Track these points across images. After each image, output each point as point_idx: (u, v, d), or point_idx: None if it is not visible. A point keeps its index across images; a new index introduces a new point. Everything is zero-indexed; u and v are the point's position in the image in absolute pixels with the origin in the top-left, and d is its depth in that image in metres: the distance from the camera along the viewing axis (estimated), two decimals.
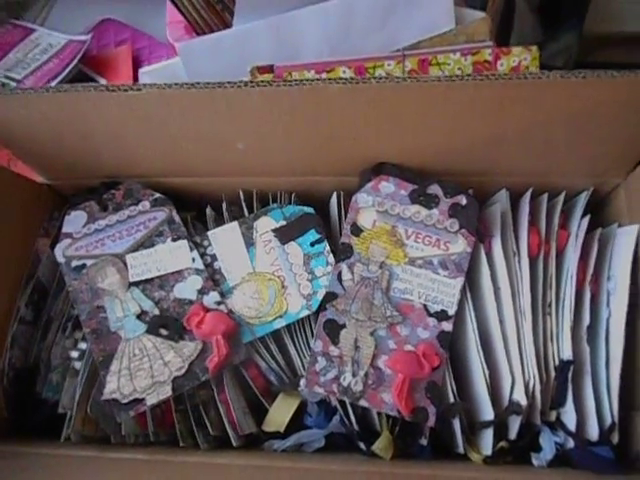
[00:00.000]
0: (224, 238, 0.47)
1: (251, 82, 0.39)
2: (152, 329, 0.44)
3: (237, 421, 0.42)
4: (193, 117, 0.42)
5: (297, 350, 0.44)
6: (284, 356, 0.44)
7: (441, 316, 0.43)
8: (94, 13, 0.73)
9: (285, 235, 0.47)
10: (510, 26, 0.68)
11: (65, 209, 0.49)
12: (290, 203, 0.49)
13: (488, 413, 0.40)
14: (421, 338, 0.43)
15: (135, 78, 0.65)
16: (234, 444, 0.42)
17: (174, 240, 0.47)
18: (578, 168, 0.46)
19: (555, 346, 0.42)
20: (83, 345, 0.44)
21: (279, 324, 0.44)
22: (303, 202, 0.49)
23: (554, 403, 0.41)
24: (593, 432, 0.39)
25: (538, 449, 0.41)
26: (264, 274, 0.46)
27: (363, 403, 0.41)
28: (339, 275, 0.44)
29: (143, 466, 0.41)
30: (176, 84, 0.39)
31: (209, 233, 0.48)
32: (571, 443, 0.40)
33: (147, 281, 0.46)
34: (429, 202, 0.45)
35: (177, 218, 0.48)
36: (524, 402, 0.40)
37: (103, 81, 0.66)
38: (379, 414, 0.42)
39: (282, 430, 0.43)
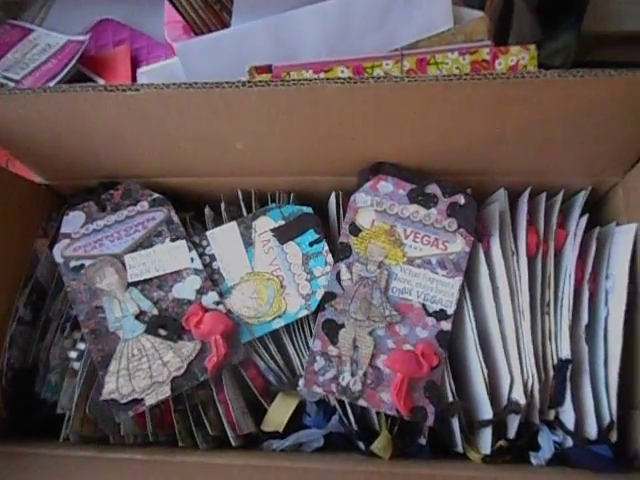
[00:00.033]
0: (223, 238, 0.47)
1: (249, 82, 0.39)
2: (151, 329, 0.44)
3: (236, 421, 0.42)
4: (191, 117, 0.42)
5: (296, 350, 0.44)
6: (283, 356, 0.44)
7: (440, 315, 0.43)
8: (92, 13, 0.73)
9: (284, 235, 0.47)
10: (509, 25, 0.68)
11: (63, 209, 0.49)
12: (289, 203, 0.49)
13: (487, 412, 0.40)
14: (420, 337, 0.43)
15: (133, 78, 0.65)
16: (233, 444, 0.42)
17: (173, 240, 0.47)
18: (576, 167, 0.46)
19: (554, 345, 0.42)
20: (82, 345, 0.44)
21: (278, 324, 0.44)
22: (302, 202, 0.49)
23: (553, 402, 0.41)
24: (592, 431, 0.39)
25: (537, 448, 0.41)
26: (263, 274, 0.46)
27: (362, 403, 0.41)
28: (338, 275, 0.44)
29: (142, 466, 0.41)
30: (174, 84, 0.39)
31: (208, 233, 0.48)
32: (570, 442, 0.40)
33: (146, 281, 0.46)
34: (427, 202, 0.45)
35: (176, 218, 0.48)
36: (523, 401, 0.40)
37: (101, 81, 0.66)
38: (378, 414, 0.42)
39: (281, 430, 0.43)
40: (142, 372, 0.42)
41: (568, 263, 0.44)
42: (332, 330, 0.43)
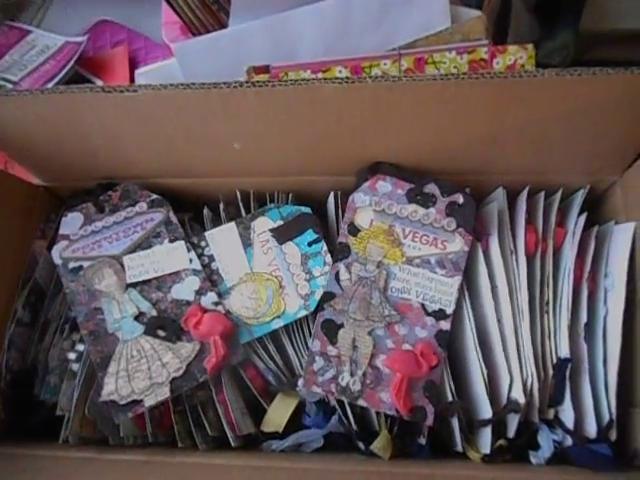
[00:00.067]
0: (221, 239, 0.47)
1: (247, 82, 0.39)
2: (150, 330, 0.44)
3: (235, 421, 0.42)
4: (189, 118, 0.42)
5: (295, 350, 0.44)
6: (282, 356, 0.44)
7: (439, 315, 0.43)
8: (90, 14, 0.73)
9: (282, 235, 0.47)
10: (507, 24, 0.68)
11: (62, 211, 0.49)
12: (287, 203, 0.49)
13: (486, 412, 0.40)
14: (419, 337, 0.43)
15: (131, 79, 0.65)
16: (233, 444, 0.42)
17: (171, 241, 0.47)
18: (574, 166, 0.46)
19: (553, 344, 0.42)
20: (81, 347, 0.44)
21: (277, 324, 0.44)
22: (300, 202, 0.49)
23: (552, 401, 0.41)
24: (591, 429, 0.39)
25: (536, 447, 0.41)
26: (262, 274, 0.46)
27: (361, 403, 0.41)
28: (337, 275, 0.44)
29: (142, 467, 0.41)
30: (171, 85, 0.39)
31: (206, 234, 0.48)
32: (569, 441, 0.40)
33: (144, 282, 0.46)
34: (426, 201, 0.45)
35: (174, 219, 0.48)
36: (522, 400, 0.40)
37: (99, 82, 0.66)
38: (377, 413, 0.42)
39: (280, 430, 0.43)
40: (141, 373, 0.42)
41: (567, 262, 0.44)
42: (331, 330, 0.43)
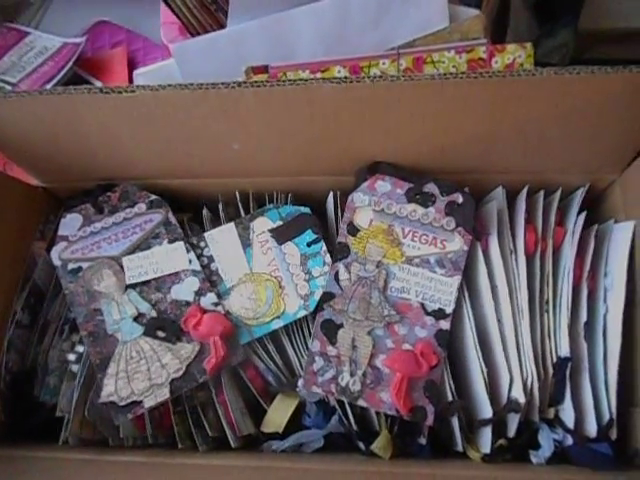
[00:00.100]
0: (221, 239, 0.47)
1: (245, 82, 0.39)
2: (149, 331, 0.44)
3: (235, 422, 0.42)
4: (188, 118, 0.42)
5: (295, 350, 0.44)
6: (282, 357, 0.44)
7: (439, 315, 0.43)
8: (88, 15, 0.73)
9: (282, 235, 0.47)
10: (506, 23, 0.68)
11: (61, 212, 0.49)
12: (286, 203, 0.49)
13: (486, 411, 0.40)
14: (419, 337, 0.43)
15: (130, 80, 0.65)
16: (233, 445, 0.42)
17: (170, 242, 0.47)
18: (574, 165, 0.46)
19: (553, 343, 0.42)
20: (80, 348, 0.44)
21: (277, 325, 0.44)
22: (299, 202, 0.49)
23: (552, 400, 0.41)
24: (591, 429, 0.39)
25: (537, 447, 0.41)
26: (261, 275, 0.46)
27: (361, 403, 0.41)
28: (336, 275, 0.44)
29: (141, 468, 0.41)
30: (170, 85, 0.39)
31: (206, 234, 0.48)
32: (569, 440, 0.40)
33: (144, 283, 0.46)
34: (425, 201, 0.45)
35: (173, 220, 0.48)
36: (522, 400, 0.40)
37: (98, 83, 0.66)
38: (378, 414, 0.42)
39: (281, 431, 0.43)
40: (141, 374, 0.42)
41: (567, 261, 0.44)
42: (331, 330, 0.43)
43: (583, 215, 0.45)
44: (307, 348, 0.43)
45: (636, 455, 0.40)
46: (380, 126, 0.42)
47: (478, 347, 0.42)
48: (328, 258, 0.45)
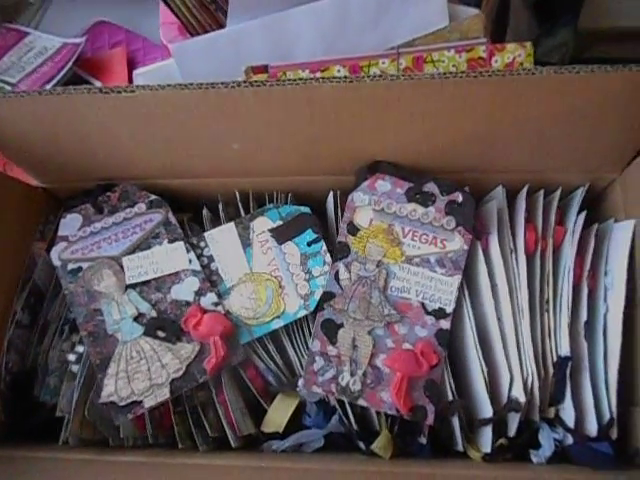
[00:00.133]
0: (221, 239, 0.47)
1: (244, 82, 0.39)
2: (149, 331, 0.44)
3: (236, 422, 0.42)
4: (187, 118, 0.42)
5: (295, 350, 0.44)
6: (282, 356, 0.44)
7: (439, 314, 0.43)
8: (88, 15, 0.73)
9: (282, 235, 0.47)
10: (505, 23, 0.68)
11: (60, 212, 0.49)
12: (286, 203, 0.49)
13: (487, 411, 0.40)
14: (419, 336, 0.42)
15: (130, 80, 0.65)
16: (233, 445, 0.42)
17: (170, 242, 0.47)
18: (574, 164, 0.46)
19: (553, 342, 0.42)
20: (80, 348, 0.44)
21: (277, 324, 0.44)
22: (299, 202, 0.49)
23: (552, 400, 0.41)
24: (592, 428, 0.39)
25: (537, 446, 0.41)
26: (261, 274, 0.46)
27: (362, 402, 0.41)
28: (336, 274, 0.44)
29: (142, 469, 0.41)
30: (169, 85, 0.39)
31: (206, 234, 0.48)
32: (570, 439, 0.40)
33: (144, 283, 0.46)
34: (425, 200, 0.45)
35: (173, 220, 0.48)
36: (523, 399, 0.40)
37: (98, 83, 0.66)
38: (378, 413, 0.42)
39: (281, 430, 0.43)
40: (141, 374, 0.42)
41: (567, 260, 0.44)
42: (331, 330, 0.43)
43: (583, 214, 0.45)
44: (307, 348, 0.43)
45: (636, 454, 0.40)
46: (380, 125, 0.42)
47: (478, 346, 0.42)
48: (328, 258, 0.45)
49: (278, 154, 0.46)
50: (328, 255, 0.45)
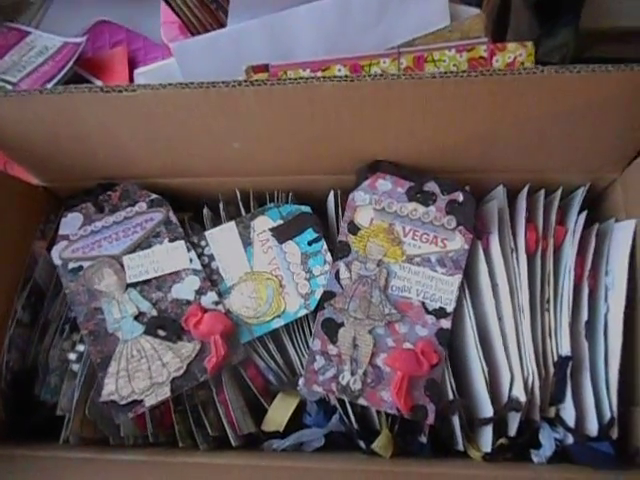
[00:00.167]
0: (221, 238, 0.47)
1: (245, 81, 0.39)
2: (150, 330, 0.44)
3: (236, 421, 0.42)
4: (188, 117, 0.42)
5: (296, 349, 0.44)
6: (283, 355, 0.44)
7: (439, 313, 0.43)
8: (89, 15, 0.73)
9: (282, 234, 0.47)
10: (506, 22, 0.68)
11: (61, 211, 0.49)
12: (287, 202, 0.49)
13: (487, 410, 0.40)
14: (420, 336, 0.42)
15: (131, 79, 0.65)
16: (233, 444, 0.42)
17: (171, 241, 0.47)
18: (574, 163, 0.46)
19: (554, 342, 0.42)
20: (81, 347, 0.44)
21: (277, 324, 0.44)
22: (300, 201, 0.49)
23: (553, 399, 0.41)
24: (592, 428, 0.39)
25: (538, 445, 0.41)
26: (262, 273, 0.46)
27: (362, 402, 0.41)
28: (337, 274, 0.44)
29: (142, 467, 0.41)
30: (170, 84, 0.39)
31: (206, 233, 0.48)
32: (570, 439, 0.40)
33: (144, 282, 0.46)
34: (426, 199, 0.45)
35: (174, 219, 0.48)
36: (523, 398, 0.40)
37: (99, 83, 0.66)
38: (378, 412, 0.42)
39: (281, 430, 0.43)
40: (141, 373, 0.42)
41: (567, 260, 0.44)
42: (331, 329, 0.43)
43: (584, 214, 0.45)
44: (308, 347, 0.43)
45: (637, 454, 0.40)
46: (381, 125, 0.42)
47: (479, 346, 0.42)
48: (329, 257, 0.45)
49: (279, 153, 0.46)
50: (329, 254, 0.45)
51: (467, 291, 0.44)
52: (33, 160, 0.48)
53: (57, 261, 0.46)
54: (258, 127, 0.43)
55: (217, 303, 0.45)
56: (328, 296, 0.44)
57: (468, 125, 0.42)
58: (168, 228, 0.48)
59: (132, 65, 0.68)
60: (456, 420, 0.41)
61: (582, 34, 0.72)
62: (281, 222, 0.47)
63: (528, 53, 0.51)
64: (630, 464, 0.40)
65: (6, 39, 0.70)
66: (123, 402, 0.41)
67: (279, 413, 0.43)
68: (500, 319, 0.42)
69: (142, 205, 0.49)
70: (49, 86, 0.63)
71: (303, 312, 0.44)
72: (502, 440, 0.40)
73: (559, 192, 0.46)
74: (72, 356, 0.44)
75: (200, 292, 0.45)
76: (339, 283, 0.44)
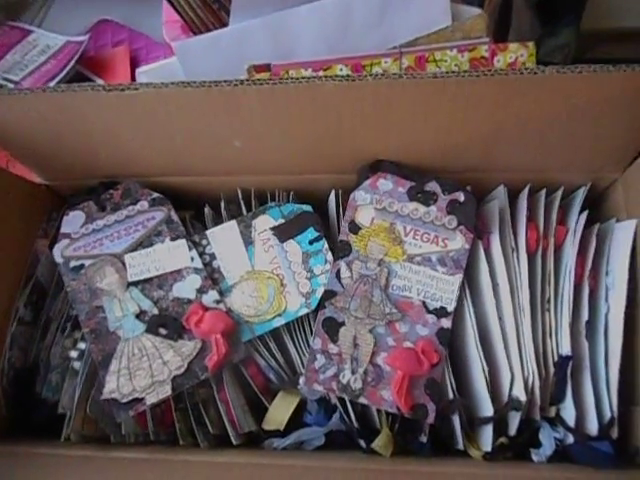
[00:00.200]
0: (223, 237, 0.47)
1: (247, 80, 0.39)
2: (151, 328, 0.44)
3: (237, 419, 0.42)
4: (190, 116, 0.42)
5: (296, 348, 0.44)
6: (283, 354, 0.44)
7: (440, 313, 0.43)
8: (91, 14, 0.73)
9: (284, 233, 0.47)
10: (508, 23, 0.68)
11: (63, 209, 0.49)
12: (288, 201, 0.49)
13: (487, 409, 0.40)
14: (420, 335, 0.43)
15: (133, 78, 0.65)
16: (234, 442, 0.42)
17: (173, 239, 0.47)
18: (575, 163, 0.46)
19: (554, 342, 0.42)
20: (82, 345, 0.45)
21: (278, 322, 0.44)
22: (301, 200, 0.49)
23: (553, 399, 0.41)
24: (592, 427, 0.39)
25: (538, 445, 0.41)
26: (263, 272, 0.46)
27: (362, 400, 0.41)
28: (338, 273, 0.44)
29: (143, 465, 0.41)
30: (172, 83, 0.39)
31: (208, 232, 0.48)
32: (571, 438, 0.40)
33: (146, 281, 0.46)
34: (427, 199, 0.45)
35: (175, 217, 0.48)
36: (523, 398, 0.40)
37: (101, 81, 0.66)
38: (379, 411, 0.42)
39: (282, 428, 0.43)
40: (143, 371, 0.42)
41: (568, 259, 0.44)
42: (332, 328, 0.43)
43: (585, 214, 0.45)
44: (308, 346, 0.43)
45: (637, 454, 0.40)
46: (382, 124, 0.42)
47: (479, 345, 0.42)
48: (330, 256, 0.45)
49: (280, 152, 0.46)
50: (330, 253, 0.45)
51: (468, 291, 0.44)
52: (35, 158, 0.49)
53: (59, 259, 0.47)
54: (260, 126, 0.43)
55: (218, 302, 0.45)
56: (329, 295, 0.44)
57: (469, 125, 0.42)
58: (169, 227, 0.48)
59: (134, 64, 0.68)
60: (456, 419, 0.41)
61: (584, 34, 0.72)
62: (282, 221, 0.47)
63: (530, 53, 0.51)
64: (630, 464, 0.40)
65: (8, 37, 0.70)
66: (124, 400, 0.41)
67: (280, 412, 0.43)
68: (500, 318, 0.42)
69: (144, 204, 0.49)
70: (51, 85, 0.63)
71: (304, 311, 0.44)
72: (502, 439, 0.40)
73: (560, 192, 0.47)
74: (73, 354, 0.44)
75: (201, 291, 0.45)
76: (340, 282, 0.44)
